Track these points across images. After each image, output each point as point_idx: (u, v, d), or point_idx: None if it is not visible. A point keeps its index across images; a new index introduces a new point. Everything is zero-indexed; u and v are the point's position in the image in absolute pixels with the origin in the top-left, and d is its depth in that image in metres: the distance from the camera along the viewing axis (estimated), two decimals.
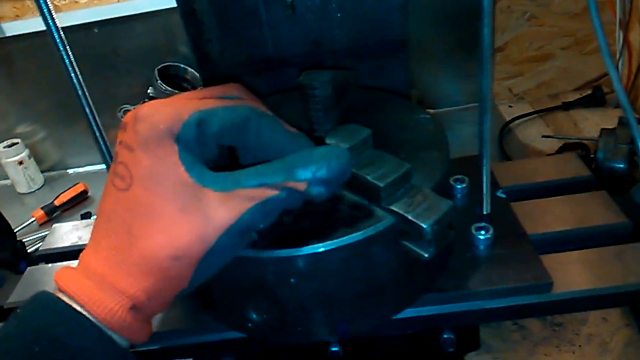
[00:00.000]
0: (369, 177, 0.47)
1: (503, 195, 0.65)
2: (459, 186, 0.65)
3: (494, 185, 0.67)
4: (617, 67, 1.28)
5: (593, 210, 0.63)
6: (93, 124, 0.65)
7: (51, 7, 0.56)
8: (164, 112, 0.37)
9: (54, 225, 0.79)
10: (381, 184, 0.46)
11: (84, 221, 0.78)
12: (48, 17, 0.56)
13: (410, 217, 0.45)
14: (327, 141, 0.51)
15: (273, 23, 0.75)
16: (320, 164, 0.39)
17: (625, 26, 1.23)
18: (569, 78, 1.36)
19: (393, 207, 0.46)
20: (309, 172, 0.38)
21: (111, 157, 0.62)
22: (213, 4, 0.73)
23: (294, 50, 0.77)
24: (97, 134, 0.65)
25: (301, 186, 0.39)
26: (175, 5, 1.02)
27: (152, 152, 0.37)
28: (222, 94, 0.43)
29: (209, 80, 0.80)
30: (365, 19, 0.75)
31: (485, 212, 0.62)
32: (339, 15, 0.74)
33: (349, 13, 0.74)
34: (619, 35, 1.24)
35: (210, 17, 0.74)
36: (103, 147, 0.66)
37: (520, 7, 1.25)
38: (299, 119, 0.65)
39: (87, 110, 0.63)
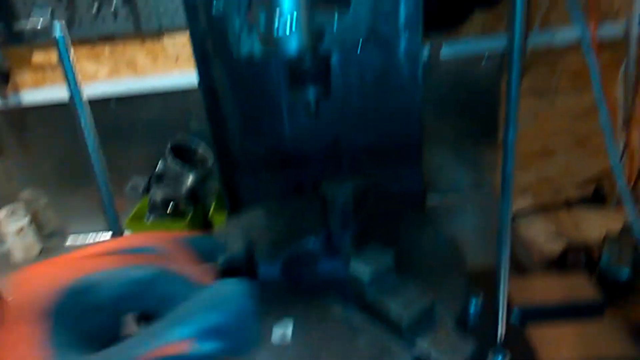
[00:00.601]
0: (391, 308, 0.47)
1: (517, 321, 0.64)
2: (473, 304, 0.64)
3: (508, 304, 0.67)
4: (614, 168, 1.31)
5: (606, 344, 0.63)
6: (105, 193, 0.63)
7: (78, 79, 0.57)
8: (36, 282, 0.31)
9: None
10: (404, 317, 0.46)
11: None
12: (73, 89, 0.56)
13: (433, 357, 0.44)
14: (352, 264, 0.51)
15: (294, 122, 0.76)
16: (207, 312, 0.31)
17: (627, 127, 1.27)
18: (571, 174, 1.38)
19: (416, 343, 0.45)
20: (191, 326, 0.30)
21: (119, 226, 0.61)
22: (237, 102, 0.75)
23: (313, 147, 0.79)
24: (107, 203, 0.64)
25: (183, 347, 0.30)
26: (192, 85, 1.05)
27: (14, 330, 0.31)
28: (139, 245, 0.36)
29: (227, 174, 0.80)
30: (384, 124, 0.77)
31: (500, 340, 0.61)
32: (358, 116, 0.76)
33: (369, 117, 0.76)
34: (621, 135, 1.27)
35: (233, 114, 0.76)
36: (111, 216, 0.65)
37: (527, 105, 1.29)
38: (317, 224, 0.65)
39: (101, 180, 0.62)
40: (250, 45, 0.61)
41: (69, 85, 0.55)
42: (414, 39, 0.68)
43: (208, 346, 0.30)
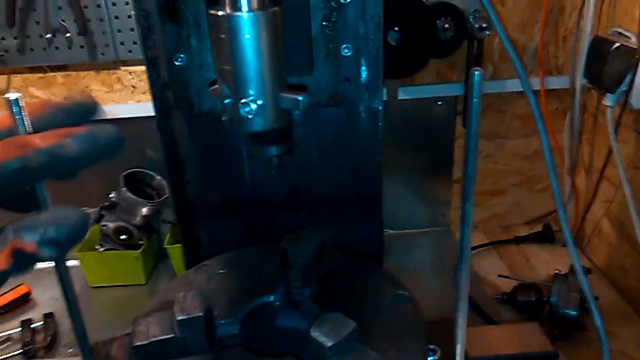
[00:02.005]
0: None
1: None
2: (430, 359, 0.65)
3: (465, 356, 0.68)
4: (565, 208, 1.37)
5: None
6: None
7: (26, 119, 0.54)
8: None
9: None
10: None
11: None
12: (22, 130, 0.53)
13: None
14: (312, 333, 0.51)
15: (254, 172, 0.76)
16: (49, 225, 0.36)
17: (572, 172, 1.33)
18: (520, 212, 1.44)
19: None
20: (37, 234, 0.36)
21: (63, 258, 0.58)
22: (197, 151, 0.74)
23: (272, 196, 0.79)
24: None
25: (30, 247, 0.36)
26: (147, 114, 1.03)
27: None
28: None
29: (184, 218, 0.79)
30: (344, 174, 0.78)
31: None
32: (318, 168, 0.77)
33: (328, 169, 0.77)
34: (567, 179, 1.34)
35: (193, 162, 0.75)
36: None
37: (479, 146, 1.34)
38: (277, 276, 0.65)
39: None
40: (211, 103, 0.61)
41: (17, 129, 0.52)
42: (374, 98, 0.70)
43: (45, 252, 0.35)
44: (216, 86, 0.44)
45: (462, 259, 0.59)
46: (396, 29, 1.06)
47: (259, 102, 0.43)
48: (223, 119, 0.45)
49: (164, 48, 0.62)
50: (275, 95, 0.44)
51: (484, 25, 1.10)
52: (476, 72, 0.47)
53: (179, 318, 0.53)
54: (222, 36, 0.41)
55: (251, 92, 0.42)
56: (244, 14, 0.40)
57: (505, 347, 0.73)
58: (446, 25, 1.10)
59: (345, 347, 0.50)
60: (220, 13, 0.41)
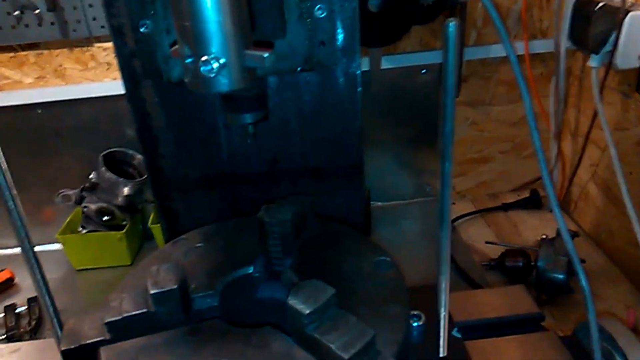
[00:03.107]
0: (332, 347, 0.46)
1: (458, 335, 0.65)
2: (415, 324, 0.64)
3: (449, 320, 0.68)
4: (551, 173, 1.37)
5: (543, 352, 0.65)
6: (11, 204, 0.56)
7: None
8: None
9: None
10: (346, 355, 0.45)
11: (9, 345, 0.71)
12: None
13: None
14: (290, 301, 0.49)
15: (231, 142, 0.74)
16: None
17: (559, 137, 1.32)
18: (507, 179, 1.43)
19: None
20: None
21: (29, 240, 0.56)
22: (171, 123, 0.72)
23: (251, 168, 0.77)
24: (17, 219, 0.57)
25: None
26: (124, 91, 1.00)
27: None
28: None
29: (160, 193, 0.77)
30: (323, 142, 0.76)
31: (442, 355, 0.61)
32: (297, 137, 0.75)
33: (308, 137, 0.75)
34: (553, 144, 1.33)
35: (166, 134, 0.73)
36: (21, 229, 0.58)
37: (462, 113, 1.32)
38: (257, 248, 0.64)
39: (7, 195, 0.55)
40: (180, 70, 0.59)
41: None
42: (351, 63, 0.68)
43: None
44: (177, 47, 0.42)
45: (443, 220, 0.58)
46: None
47: (221, 60, 0.40)
48: (185, 81, 0.43)
49: (128, 15, 0.59)
50: (239, 53, 0.41)
51: None
52: (450, 23, 0.44)
53: (153, 292, 0.51)
54: None
55: (213, 49, 0.40)
56: None
57: (491, 311, 0.73)
58: None
59: (323, 313, 0.49)
60: None
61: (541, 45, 1.23)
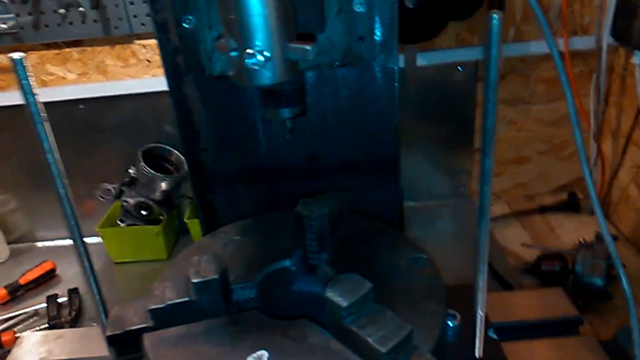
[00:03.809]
0: (370, 340, 0.46)
1: (494, 336, 0.64)
2: (451, 324, 0.64)
3: (485, 321, 0.67)
4: (591, 175, 1.33)
5: (581, 356, 0.63)
6: (64, 199, 0.58)
7: (32, 81, 0.53)
8: None
9: (22, 335, 0.74)
10: (383, 349, 0.45)
11: (54, 331, 0.74)
12: (27, 89, 0.52)
13: None
14: (327, 294, 0.50)
15: (269, 137, 0.75)
16: None
17: (599, 137, 1.29)
18: (545, 181, 1.40)
19: None
20: None
21: (80, 233, 0.57)
22: (211, 118, 0.73)
23: (289, 162, 0.78)
24: (68, 209, 0.59)
25: None
26: (164, 88, 1.02)
27: None
28: None
29: (200, 186, 0.79)
30: (361, 138, 0.76)
31: (478, 356, 0.61)
32: (334, 132, 0.75)
33: (345, 132, 0.75)
34: (593, 145, 1.29)
35: (207, 129, 0.74)
36: (73, 222, 0.60)
37: (500, 111, 1.30)
38: (293, 242, 0.64)
39: (59, 184, 0.57)
40: (222, 64, 0.60)
41: (21, 87, 0.51)
42: (390, 58, 0.68)
43: None
44: (222, 40, 0.43)
45: (482, 219, 0.57)
46: None
47: (266, 53, 0.41)
48: (230, 74, 0.44)
49: (172, 10, 0.60)
50: (284, 46, 0.42)
51: None
52: (494, 15, 0.44)
53: (195, 281, 0.52)
54: None
55: (258, 42, 0.41)
56: None
57: (528, 313, 0.72)
58: None
59: (360, 307, 0.49)
60: None
61: (582, 42, 1.20)
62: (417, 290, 0.58)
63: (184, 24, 0.59)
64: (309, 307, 0.62)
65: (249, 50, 0.41)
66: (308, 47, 0.42)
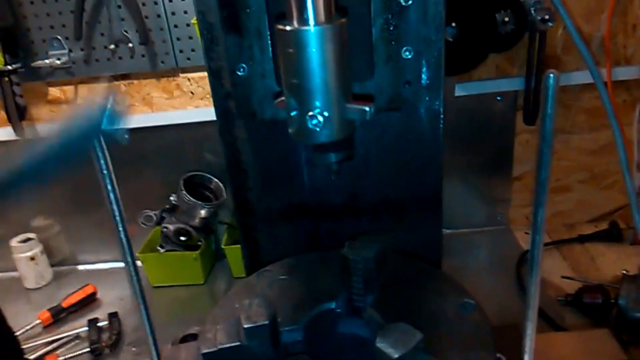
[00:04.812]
0: None
1: None
2: None
3: None
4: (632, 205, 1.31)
5: None
6: (120, 225, 0.60)
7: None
8: None
9: None
10: None
11: None
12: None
13: None
14: (378, 344, 0.50)
15: (313, 177, 0.76)
16: None
17: None
18: (585, 210, 1.38)
19: None
20: None
21: (133, 259, 0.59)
22: (258, 158, 0.75)
23: (331, 201, 0.79)
24: (122, 235, 0.60)
25: None
26: (206, 119, 1.04)
27: None
28: None
29: (245, 223, 0.80)
30: (404, 177, 0.77)
31: None
32: (378, 172, 0.76)
33: (388, 173, 0.76)
34: (636, 175, 1.26)
35: (254, 169, 0.76)
36: (127, 248, 0.61)
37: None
38: (339, 282, 0.65)
39: (117, 213, 0.59)
40: (273, 111, 0.62)
41: None
42: (435, 100, 0.68)
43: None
44: (282, 98, 0.44)
45: (533, 267, 0.57)
46: (453, 24, 1.04)
47: (326, 113, 0.42)
48: (290, 131, 0.45)
49: (226, 59, 0.62)
50: (342, 107, 0.43)
51: (547, 16, 1.05)
52: (551, 75, 0.44)
53: (246, 326, 0.54)
54: (290, 50, 0.41)
55: (318, 104, 0.42)
56: (312, 28, 0.40)
57: (574, 356, 0.70)
58: (506, 19, 1.07)
59: (411, 358, 0.50)
60: (288, 28, 0.41)
61: (625, 72, 1.19)
62: (466, 337, 0.57)
63: (238, 72, 0.61)
64: (354, 351, 0.62)
65: (310, 113, 0.42)
66: (366, 108, 0.43)
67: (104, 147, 0.54)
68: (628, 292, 1.04)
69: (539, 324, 1.11)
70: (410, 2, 0.59)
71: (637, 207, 0.60)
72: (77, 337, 1.18)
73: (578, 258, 1.29)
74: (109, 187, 0.55)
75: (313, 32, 0.40)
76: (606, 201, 1.36)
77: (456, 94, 1.20)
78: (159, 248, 1.31)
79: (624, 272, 1.08)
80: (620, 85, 1.20)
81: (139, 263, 1.31)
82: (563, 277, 1.18)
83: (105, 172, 0.52)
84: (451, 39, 1.04)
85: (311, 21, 0.40)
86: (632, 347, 1.02)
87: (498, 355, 0.65)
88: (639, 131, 1.22)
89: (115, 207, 0.55)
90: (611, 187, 1.35)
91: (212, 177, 1.30)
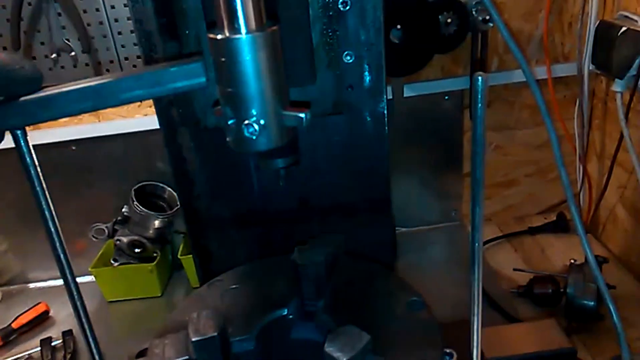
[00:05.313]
0: None
1: None
2: None
3: (481, 356, 0.68)
4: (578, 196, 1.36)
5: None
6: (56, 240, 0.58)
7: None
8: None
9: None
10: None
11: None
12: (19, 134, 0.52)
13: None
14: (327, 349, 0.50)
15: (262, 183, 0.76)
16: None
17: (584, 159, 1.32)
18: (534, 202, 1.43)
19: None
20: None
21: (72, 275, 0.57)
22: (205, 166, 0.74)
23: (281, 206, 0.79)
24: (59, 250, 0.58)
25: None
26: (155, 127, 1.02)
27: None
28: None
29: (195, 232, 0.79)
30: (352, 180, 0.77)
31: None
32: (326, 176, 0.77)
33: (336, 174, 0.77)
34: (579, 167, 1.32)
35: (201, 176, 0.75)
36: (65, 264, 0.59)
37: (488, 137, 1.32)
38: (290, 288, 0.65)
39: (51, 226, 0.56)
40: (217, 119, 0.61)
41: (14, 135, 0.51)
42: (378, 103, 0.69)
43: None
44: (219, 107, 0.44)
45: (475, 262, 0.59)
46: (398, 27, 1.05)
47: (262, 121, 0.42)
48: (227, 139, 0.45)
49: None
50: (278, 114, 0.43)
51: (487, 17, 1.08)
52: (479, 77, 0.46)
53: (194, 339, 0.53)
54: (223, 59, 0.41)
55: (254, 112, 0.42)
56: (243, 36, 0.40)
57: (522, 346, 0.73)
58: (449, 20, 1.09)
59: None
60: (219, 37, 0.41)
61: (564, 69, 1.24)
62: (414, 335, 0.58)
63: None
64: (309, 357, 0.63)
65: (245, 122, 0.42)
66: (302, 115, 0.43)
67: (35, 159, 0.53)
68: (575, 281, 1.08)
69: (492, 316, 1.14)
70: (347, 7, 0.60)
71: (573, 201, 0.62)
72: (29, 358, 1.14)
73: (528, 249, 1.33)
74: (42, 202, 0.53)
75: (245, 40, 0.40)
76: (553, 193, 1.41)
77: (405, 95, 1.22)
78: (112, 262, 1.28)
79: (572, 261, 1.11)
80: (560, 82, 1.25)
81: (91, 278, 1.28)
82: (515, 269, 1.22)
83: (37, 188, 0.50)
84: (397, 41, 1.06)
85: (242, 29, 0.40)
86: (581, 334, 1.06)
87: (449, 350, 0.67)
88: (579, 125, 1.27)
89: (50, 223, 0.53)
90: (557, 179, 1.39)
91: (165, 187, 1.28)
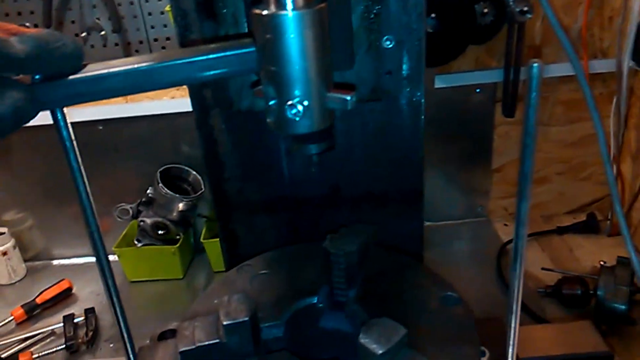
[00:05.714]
0: None
1: None
2: None
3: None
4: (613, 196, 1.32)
5: None
6: (91, 219, 0.57)
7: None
8: None
9: None
10: None
11: None
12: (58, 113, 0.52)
13: None
14: (361, 340, 0.49)
15: (293, 168, 0.75)
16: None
17: (618, 158, 1.28)
18: (563, 201, 1.39)
19: None
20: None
21: (106, 254, 0.56)
22: (236, 149, 0.73)
23: (312, 192, 0.77)
24: (94, 229, 0.57)
25: None
26: (182, 110, 1.01)
27: None
28: None
29: (223, 215, 0.78)
30: (385, 169, 0.76)
31: None
32: (359, 164, 0.75)
33: (370, 164, 0.75)
34: (613, 166, 1.28)
35: (232, 160, 0.74)
36: (98, 243, 0.58)
37: (518, 133, 1.29)
38: (320, 276, 0.64)
39: (87, 207, 0.56)
40: (251, 100, 0.60)
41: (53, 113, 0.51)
42: (416, 91, 0.67)
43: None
44: (260, 87, 0.43)
45: (517, 260, 0.57)
46: (433, 15, 1.03)
47: (306, 103, 0.41)
48: (268, 120, 0.44)
49: None
50: (323, 96, 0.42)
51: (525, 8, 1.05)
52: (534, 65, 0.44)
53: (225, 323, 0.52)
54: (268, 36, 0.39)
55: (297, 92, 0.40)
56: (290, 13, 0.38)
57: (556, 348, 0.71)
58: (485, 10, 1.06)
59: (395, 354, 0.49)
60: (264, 12, 0.39)
61: (602, 65, 1.20)
62: (450, 331, 0.57)
63: None
64: (337, 346, 0.61)
65: (289, 102, 0.40)
66: (347, 97, 0.41)
67: (73, 139, 0.52)
68: (606, 283, 1.05)
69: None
70: None
71: (618, 199, 0.60)
72: (52, 333, 1.16)
73: (557, 249, 1.30)
74: (79, 180, 0.52)
75: (292, 17, 0.38)
76: (583, 193, 1.38)
77: (435, 86, 1.19)
78: (135, 242, 1.28)
79: (602, 263, 1.09)
80: (597, 78, 1.21)
81: (115, 257, 1.29)
82: (543, 268, 1.19)
83: (74, 165, 0.50)
84: (431, 30, 1.04)
85: (289, 5, 0.38)
86: (610, 338, 1.03)
87: (482, 348, 0.65)
88: (616, 123, 1.23)
89: (85, 201, 0.52)
90: (588, 179, 1.36)
91: (190, 170, 1.28)
